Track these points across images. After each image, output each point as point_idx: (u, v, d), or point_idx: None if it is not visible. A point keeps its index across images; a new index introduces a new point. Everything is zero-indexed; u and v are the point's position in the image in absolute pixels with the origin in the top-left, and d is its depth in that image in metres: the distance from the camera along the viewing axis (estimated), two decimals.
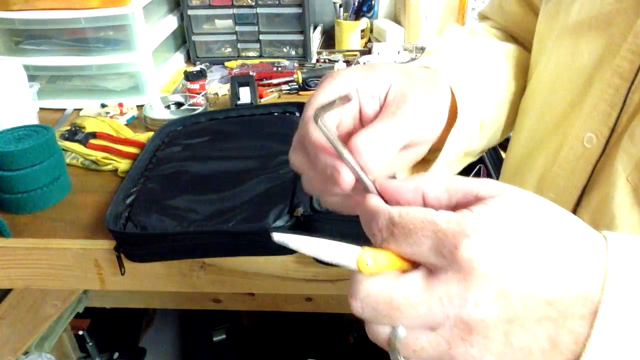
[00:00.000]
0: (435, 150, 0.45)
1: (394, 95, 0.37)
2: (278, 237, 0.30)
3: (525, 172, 0.52)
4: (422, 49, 1.45)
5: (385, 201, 0.32)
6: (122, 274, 0.85)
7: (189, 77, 1.29)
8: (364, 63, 0.38)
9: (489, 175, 0.83)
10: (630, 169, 0.41)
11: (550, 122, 0.50)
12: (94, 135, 1.11)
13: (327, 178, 0.35)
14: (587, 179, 0.45)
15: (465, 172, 0.91)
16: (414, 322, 0.28)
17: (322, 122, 0.34)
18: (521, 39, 0.61)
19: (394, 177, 0.42)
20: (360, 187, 0.34)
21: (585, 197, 0.45)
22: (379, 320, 0.29)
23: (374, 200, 0.31)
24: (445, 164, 0.47)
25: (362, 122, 0.38)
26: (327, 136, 0.34)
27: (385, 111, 0.36)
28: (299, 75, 1.30)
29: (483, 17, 0.66)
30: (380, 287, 0.28)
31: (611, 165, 0.42)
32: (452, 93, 0.43)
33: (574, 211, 0.46)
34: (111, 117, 1.21)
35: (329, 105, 0.34)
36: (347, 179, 0.34)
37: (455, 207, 0.30)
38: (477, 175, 0.90)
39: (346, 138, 0.36)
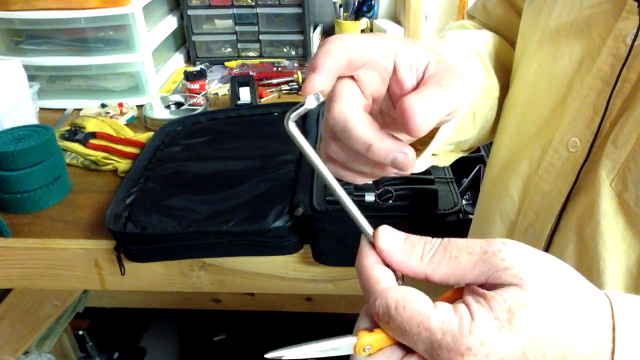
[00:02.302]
0: (422, 142, 0.45)
1: (434, 70, 0.36)
2: (271, 355, 0.30)
3: (510, 175, 0.52)
4: None
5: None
6: (122, 274, 0.85)
7: (189, 77, 1.29)
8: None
9: None
10: (613, 175, 0.40)
11: (532, 125, 0.50)
12: (94, 135, 1.11)
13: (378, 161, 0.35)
14: (573, 184, 0.45)
15: (465, 171, 0.91)
16: None
17: (292, 128, 0.35)
18: (506, 39, 0.61)
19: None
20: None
21: (570, 203, 0.45)
22: None
23: (370, 271, 0.31)
24: (430, 155, 0.46)
25: (395, 89, 0.37)
26: (302, 149, 0.34)
27: (430, 81, 0.35)
28: (299, 75, 1.30)
29: (469, 17, 0.67)
30: None
31: (596, 171, 0.42)
32: None
33: (559, 217, 0.46)
34: (111, 117, 1.21)
35: (300, 107, 0.35)
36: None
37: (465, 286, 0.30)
38: (477, 174, 0.89)
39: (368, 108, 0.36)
